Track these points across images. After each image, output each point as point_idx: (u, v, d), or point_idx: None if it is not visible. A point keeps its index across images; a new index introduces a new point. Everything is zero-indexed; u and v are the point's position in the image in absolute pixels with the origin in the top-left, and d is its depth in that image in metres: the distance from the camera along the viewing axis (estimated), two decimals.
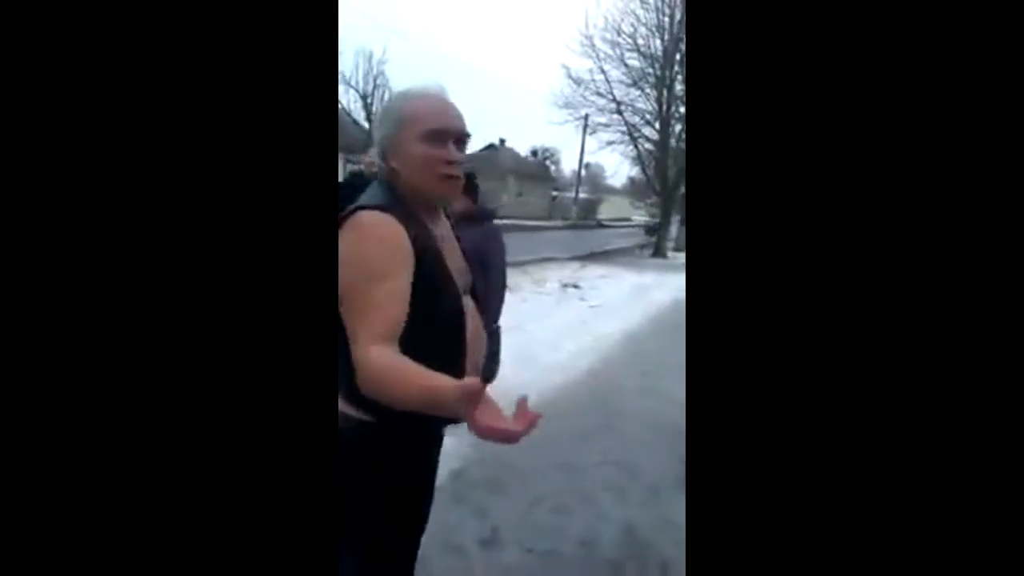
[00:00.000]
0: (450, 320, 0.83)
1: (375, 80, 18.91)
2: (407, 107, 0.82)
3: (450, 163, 0.81)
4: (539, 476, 1.99)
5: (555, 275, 7.11)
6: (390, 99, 0.88)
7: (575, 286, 6.37)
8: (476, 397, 0.59)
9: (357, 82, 18.88)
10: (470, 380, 0.59)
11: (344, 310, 0.73)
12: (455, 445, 1.84)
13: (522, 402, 0.60)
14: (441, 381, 0.64)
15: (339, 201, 0.74)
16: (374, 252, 0.74)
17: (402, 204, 0.81)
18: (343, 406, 0.82)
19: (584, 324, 4.57)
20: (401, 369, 0.68)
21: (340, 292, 0.73)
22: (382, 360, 0.69)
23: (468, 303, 0.90)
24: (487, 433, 0.58)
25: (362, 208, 0.78)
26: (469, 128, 0.85)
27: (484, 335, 0.96)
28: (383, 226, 0.75)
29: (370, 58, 19.21)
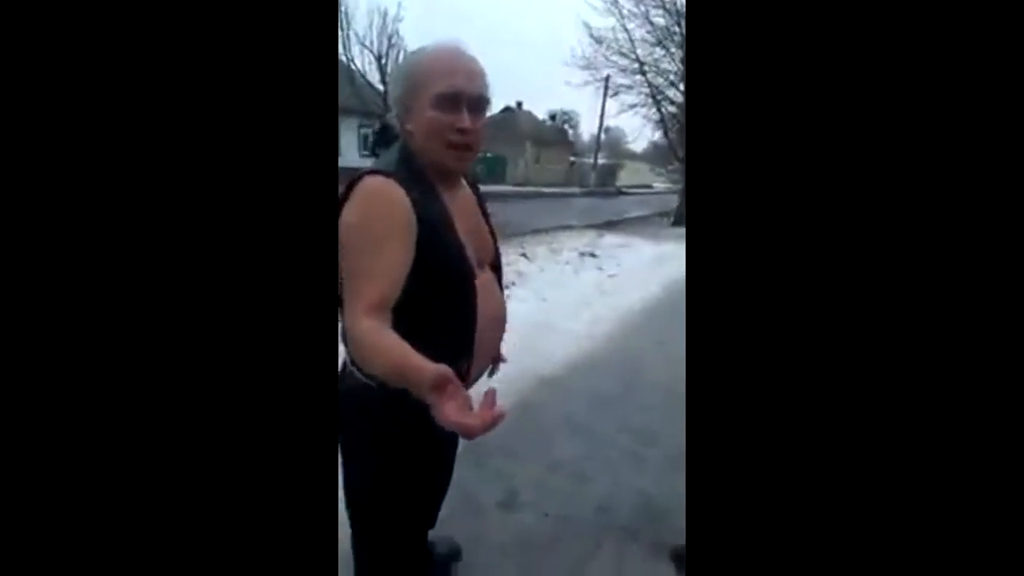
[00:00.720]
0: (457, 292, 0.80)
1: (390, 40, 18.42)
2: (419, 67, 0.77)
3: (461, 131, 0.76)
4: (558, 442, 2.02)
5: (572, 243, 7.02)
6: (408, 56, 0.82)
7: (592, 255, 6.30)
8: (443, 384, 0.57)
9: (371, 42, 18.42)
10: (441, 367, 0.58)
11: (342, 278, 0.72)
12: None
13: (488, 395, 0.58)
14: (415, 361, 0.62)
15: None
16: (369, 220, 0.71)
17: (412, 168, 0.77)
18: (359, 376, 0.82)
19: (602, 294, 4.54)
20: (382, 342, 0.67)
21: (340, 260, 0.71)
22: (366, 331, 0.68)
23: (485, 276, 0.87)
24: (446, 424, 0.56)
25: (369, 173, 0.75)
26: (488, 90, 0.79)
27: (503, 312, 0.94)
28: (382, 193, 0.72)
29: (384, 16, 18.66)
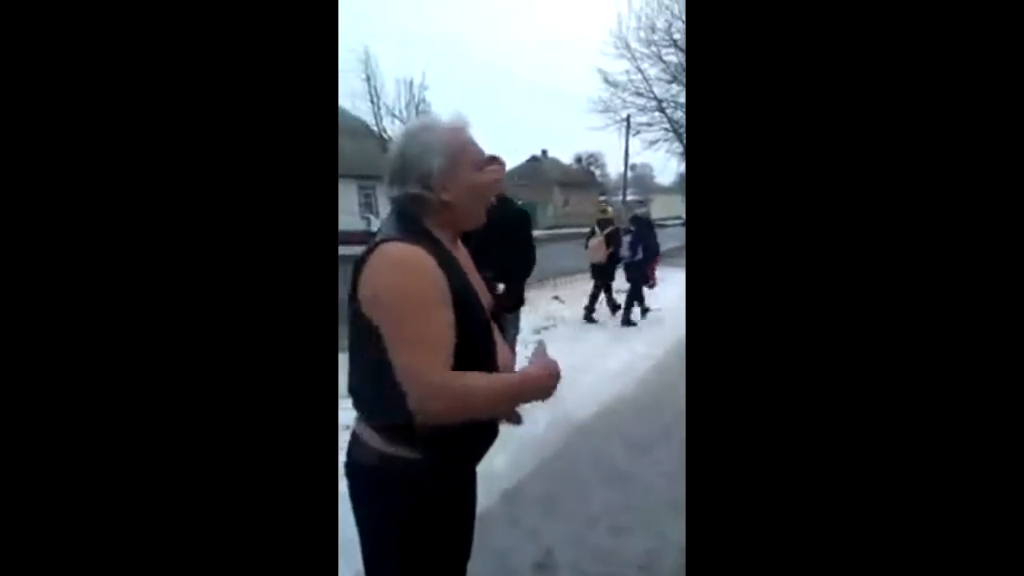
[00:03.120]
0: (482, 342, 0.85)
1: (418, 107, 19.57)
2: (451, 140, 0.82)
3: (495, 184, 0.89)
4: (596, 490, 1.92)
5: None
6: (426, 132, 0.84)
7: None
8: (556, 370, 0.83)
9: (401, 111, 19.61)
10: (550, 363, 0.84)
11: (392, 344, 0.74)
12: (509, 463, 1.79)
13: (540, 348, 0.85)
14: (518, 377, 0.83)
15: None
16: (415, 284, 0.75)
17: (422, 233, 0.80)
18: (385, 447, 0.81)
19: (639, 331, 4.43)
20: (474, 384, 0.77)
21: (382, 326, 0.75)
22: (456, 382, 0.75)
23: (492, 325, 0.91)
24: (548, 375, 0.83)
25: (387, 240, 0.77)
26: (511, 141, 0.90)
27: (510, 357, 0.97)
28: (416, 259, 0.75)
29: (410, 86, 19.93)
